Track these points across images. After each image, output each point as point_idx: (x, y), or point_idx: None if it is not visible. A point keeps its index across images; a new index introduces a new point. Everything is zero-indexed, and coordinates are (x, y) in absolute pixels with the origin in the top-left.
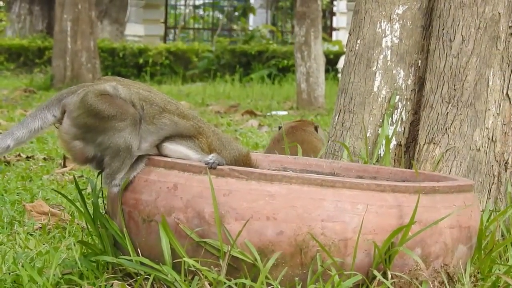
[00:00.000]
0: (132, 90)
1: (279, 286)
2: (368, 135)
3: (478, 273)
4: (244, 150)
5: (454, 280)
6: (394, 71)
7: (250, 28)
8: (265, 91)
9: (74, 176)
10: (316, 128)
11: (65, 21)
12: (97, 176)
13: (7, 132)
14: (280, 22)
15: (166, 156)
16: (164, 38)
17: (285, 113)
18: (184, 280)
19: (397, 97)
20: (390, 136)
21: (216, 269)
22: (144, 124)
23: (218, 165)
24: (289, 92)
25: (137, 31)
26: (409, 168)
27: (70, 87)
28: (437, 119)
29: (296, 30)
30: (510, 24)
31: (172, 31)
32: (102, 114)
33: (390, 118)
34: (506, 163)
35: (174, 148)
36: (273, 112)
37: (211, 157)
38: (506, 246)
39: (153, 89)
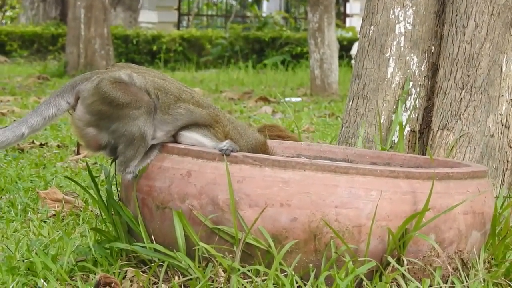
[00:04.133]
0: (147, 78)
1: (293, 273)
2: (381, 121)
3: (492, 259)
4: (261, 138)
5: (468, 266)
6: (407, 57)
7: (264, 15)
8: (279, 77)
9: (87, 163)
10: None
11: (78, 8)
12: (111, 164)
13: (21, 120)
14: (293, 8)
15: (181, 143)
16: (178, 25)
17: (298, 99)
18: (198, 267)
19: (411, 83)
20: (404, 123)
21: (230, 255)
22: (160, 113)
23: (232, 151)
24: (303, 78)
25: (150, 18)
26: (423, 155)
27: (84, 74)
28: (450, 105)
29: (309, 17)
30: None
31: (186, 17)
32: (116, 101)
33: (404, 105)
34: None
35: (189, 136)
36: (287, 99)
37: (225, 144)
38: None
39: (168, 77)
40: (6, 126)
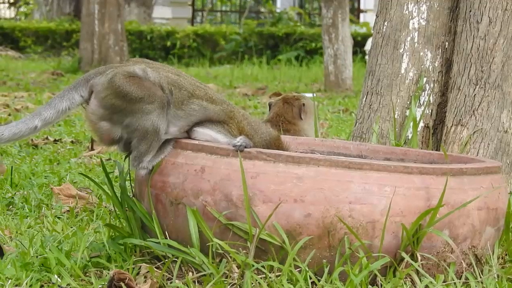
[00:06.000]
0: (161, 73)
1: (307, 269)
2: (395, 117)
3: (506, 255)
4: (275, 133)
5: (482, 261)
6: (421, 53)
7: (278, 10)
8: (293, 73)
9: (101, 159)
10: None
11: (92, 3)
12: (125, 159)
13: (34, 112)
14: (307, 4)
15: (195, 139)
16: (192, 21)
17: (313, 95)
18: (212, 263)
19: (425, 79)
20: (417, 118)
21: (244, 251)
22: (173, 108)
23: (245, 147)
24: (317, 74)
25: (164, 14)
26: (436, 150)
27: (98, 68)
28: (464, 101)
29: (323, 12)
30: None
31: (200, 13)
32: (130, 96)
33: (418, 100)
34: None
35: (203, 132)
36: (302, 94)
37: (239, 140)
38: None
39: (182, 73)
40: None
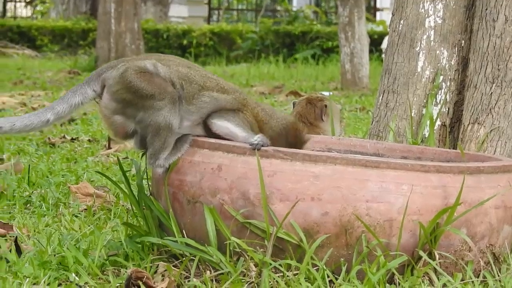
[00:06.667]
0: (172, 68)
1: (324, 267)
2: (412, 115)
3: None
4: (291, 118)
5: (500, 260)
6: (437, 51)
7: (294, 9)
8: (309, 71)
9: (118, 158)
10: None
11: (108, 2)
12: (141, 157)
13: (48, 106)
14: (323, 2)
15: (214, 132)
16: (208, 19)
17: (330, 93)
18: (230, 261)
19: (441, 77)
20: (434, 117)
21: (261, 250)
22: (185, 104)
23: (262, 146)
24: (334, 72)
25: (180, 12)
26: (453, 149)
27: (110, 62)
28: (481, 99)
29: (339, 11)
30: None
31: (216, 12)
32: (140, 92)
33: (434, 99)
34: None
35: (221, 124)
36: (319, 93)
37: (256, 138)
38: None
39: (194, 65)
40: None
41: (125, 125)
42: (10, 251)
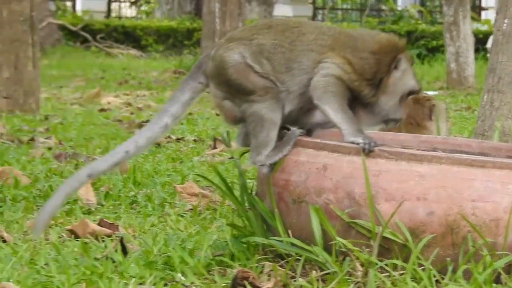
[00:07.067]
0: (263, 54)
1: (430, 267)
2: None
3: None
4: (387, 36)
5: None
6: None
7: (399, 8)
8: (415, 71)
9: (214, 166)
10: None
11: (213, 2)
12: (240, 156)
13: (161, 111)
14: (428, 1)
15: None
16: (313, 19)
17: (435, 93)
18: (335, 261)
19: None
20: None
21: (367, 250)
22: (283, 92)
23: (370, 149)
24: (439, 72)
25: (285, 12)
26: None
27: (206, 52)
28: None
29: (444, 10)
30: None
31: (320, 11)
32: (239, 88)
33: None
34: None
35: (323, 109)
36: (424, 93)
37: (363, 139)
38: None
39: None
40: (148, 121)
41: (233, 110)
42: (116, 251)
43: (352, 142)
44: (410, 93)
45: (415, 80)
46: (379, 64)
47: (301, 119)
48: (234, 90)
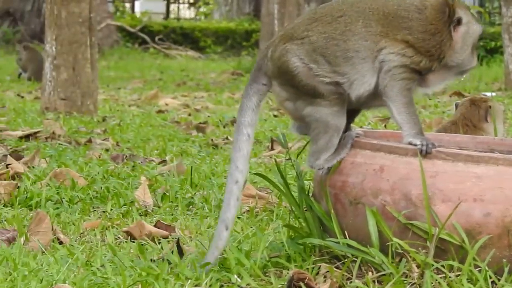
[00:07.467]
0: (317, 51)
1: (486, 268)
2: None
3: None
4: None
5: None
6: None
7: None
8: (473, 72)
9: (276, 163)
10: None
11: (272, 3)
12: (296, 157)
13: (236, 125)
14: (487, 2)
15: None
16: None
17: (493, 94)
18: (392, 262)
19: None
20: None
21: (423, 251)
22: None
23: (427, 151)
24: (497, 73)
25: None
26: None
27: (262, 51)
28: None
29: (503, 11)
30: None
31: None
32: (305, 90)
33: None
34: None
35: (389, 111)
36: (481, 94)
37: (421, 140)
38: None
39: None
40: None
41: (296, 111)
42: (172, 252)
43: (410, 143)
44: (480, 38)
45: (478, 24)
46: (439, 31)
47: (368, 103)
48: (300, 92)
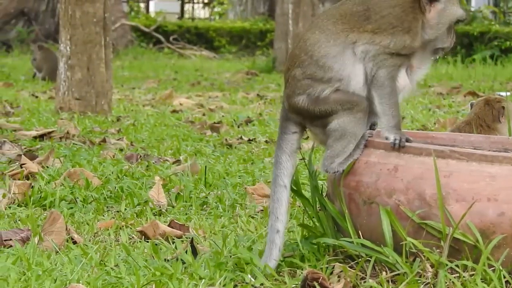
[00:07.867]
0: (305, 73)
1: (501, 268)
2: None
3: None
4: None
5: None
6: None
7: (472, 9)
8: (488, 72)
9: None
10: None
11: (286, 3)
12: (309, 156)
13: (273, 179)
14: (502, 2)
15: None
16: None
17: (508, 94)
18: (406, 262)
19: None
20: None
21: (437, 250)
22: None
23: (401, 145)
24: None
25: None
26: None
27: (284, 92)
28: None
29: None
30: None
31: None
32: (323, 114)
33: None
34: None
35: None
36: (496, 93)
37: (393, 137)
38: None
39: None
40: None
41: (322, 138)
42: (186, 252)
43: (386, 138)
44: (458, 21)
45: (460, 8)
46: (408, 10)
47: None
48: (322, 117)
